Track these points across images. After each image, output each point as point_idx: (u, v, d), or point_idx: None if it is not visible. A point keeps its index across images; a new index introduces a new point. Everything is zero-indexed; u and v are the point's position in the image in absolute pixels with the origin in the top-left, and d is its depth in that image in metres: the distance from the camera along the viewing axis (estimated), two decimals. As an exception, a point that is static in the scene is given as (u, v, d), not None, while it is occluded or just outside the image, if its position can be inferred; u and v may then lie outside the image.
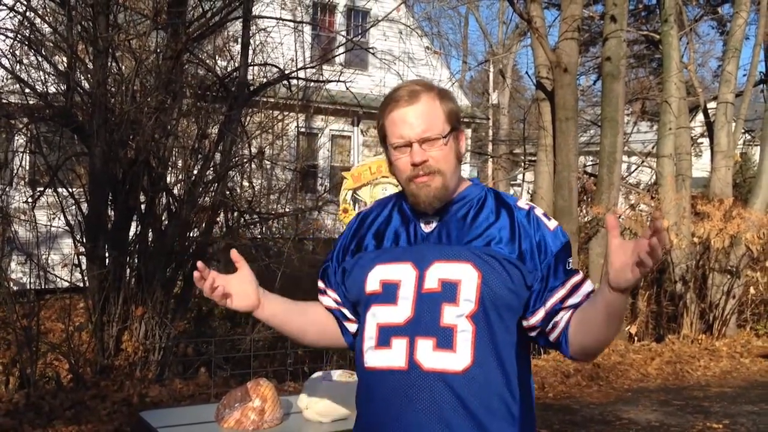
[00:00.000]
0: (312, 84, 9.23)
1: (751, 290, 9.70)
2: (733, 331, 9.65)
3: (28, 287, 6.36)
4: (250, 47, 7.20)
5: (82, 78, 6.13)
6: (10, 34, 6.00)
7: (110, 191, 6.17)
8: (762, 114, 10.90)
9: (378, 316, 1.69)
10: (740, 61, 10.65)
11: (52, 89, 6.18)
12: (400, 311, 1.66)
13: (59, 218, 6.42)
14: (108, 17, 6.14)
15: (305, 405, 2.64)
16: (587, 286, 1.67)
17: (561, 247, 1.69)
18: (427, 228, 1.72)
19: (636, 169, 15.33)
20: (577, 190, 9.27)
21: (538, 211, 1.75)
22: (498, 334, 1.64)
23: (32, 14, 6.13)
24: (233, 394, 2.60)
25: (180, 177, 6.68)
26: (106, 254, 6.13)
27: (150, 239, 6.38)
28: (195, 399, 5.48)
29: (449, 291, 1.63)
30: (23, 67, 6.08)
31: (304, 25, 10.84)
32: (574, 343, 1.64)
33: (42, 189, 6.47)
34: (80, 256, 6.27)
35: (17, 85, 6.05)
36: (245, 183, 8.12)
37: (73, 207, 6.32)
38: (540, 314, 1.66)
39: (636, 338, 9.00)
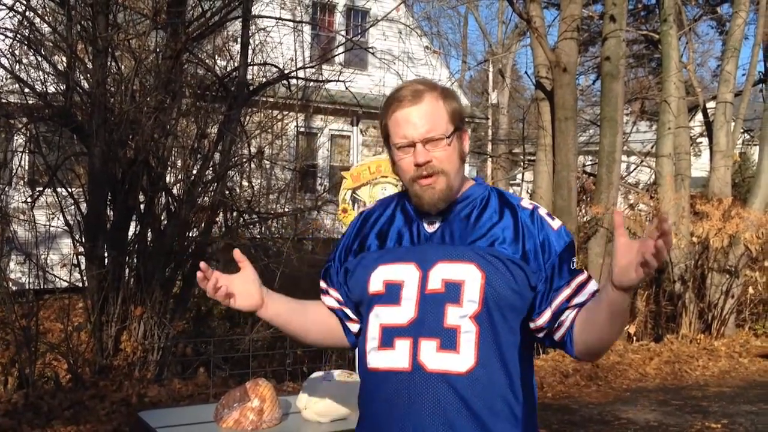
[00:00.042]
0: (311, 84, 9.23)
1: (750, 290, 9.71)
2: (732, 330, 9.66)
3: (27, 287, 6.36)
4: (249, 47, 7.20)
5: (82, 78, 6.13)
6: (10, 34, 6.00)
7: (109, 191, 6.17)
8: (761, 114, 10.91)
9: (381, 316, 1.68)
10: (739, 60, 10.66)
11: (51, 89, 6.18)
12: (404, 312, 1.65)
13: (58, 218, 6.42)
14: (107, 17, 6.14)
15: (304, 405, 2.64)
16: (592, 285, 1.67)
17: (565, 247, 1.68)
18: (430, 228, 1.71)
19: (635, 169, 15.33)
20: (576, 189, 9.27)
21: (542, 211, 1.74)
22: (502, 335, 1.64)
23: (32, 14, 6.13)
24: (232, 394, 2.60)
25: (179, 177, 6.68)
26: (105, 254, 6.13)
27: (149, 239, 6.38)
28: (194, 399, 5.48)
29: (453, 292, 1.63)
30: (22, 67, 6.08)
31: (303, 24, 10.84)
32: (578, 342, 1.64)
33: (41, 189, 6.47)
34: (79, 256, 6.27)
35: (16, 85, 6.05)
36: (244, 183, 8.12)
37: (72, 207, 6.32)
38: (547, 315, 1.66)
39: (635, 338, 9.00)
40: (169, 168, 6.69)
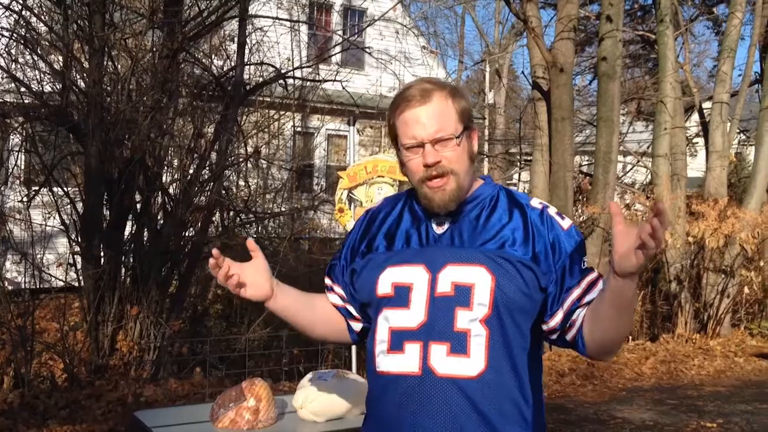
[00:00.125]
0: (308, 83, 9.23)
1: (746, 290, 9.73)
2: (728, 330, 9.68)
3: (22, 286, 6.35)
4: (246, 46, 7.19)
5: (78, 77, 6.12)
6: (6, 33, 5.99)
7: (106, 190, 6.16)
8: (757, 114, 10.93)
9: (390, 319, 1.67)
10: (735, 61, 10.67)
11: (47, 88, 6.16)
12: (413, 315, 1.64)
13: (54, 217, 6.41)
14: (104, 16, 6.14)
15: (300, 404, 2.64)
16: (602, 283, 1.64)
17: (575, 247, 1.67)
18: (439, 229, 1.69)
19: (631, 169, 15.36)
20: (573, 189, 9.28)
21: (552, 210, 1.72)
22: (512, 338, 1.63)
23: (28, 13, 6.12)
24: (228, 393, 2.60)
25: (176, 176, 6.67)
26: (102, 253, 6.13)
27: (145, 238, 6.38)
28: (190, 399, 5.48)
29: (463, 295, 1.61)
30: (19, 66, 6.07)
31: (300, 24, 10.84)
32: (589, 340, 1.62)
33: (37, 188, 6.46)
34: (75, 256, 6.26)
35: (13, 84, 6.04)
36: (241, 182, 8.12)
37: (69, 206, 6.31)
38: (559, 316, 1.65)
39: (630, 337, 9.02)
40: (166, 167, 6.69)
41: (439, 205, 1.65)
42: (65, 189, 6.40)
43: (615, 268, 1.47)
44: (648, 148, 12.53)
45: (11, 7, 5.99)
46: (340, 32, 12.77)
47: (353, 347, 5.31)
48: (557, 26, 8.90)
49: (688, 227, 9.28)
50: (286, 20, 9.33)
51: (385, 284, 1.68)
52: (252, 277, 1.73)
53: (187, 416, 2.69)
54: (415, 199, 1.74)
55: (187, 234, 6.73)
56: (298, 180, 10.71)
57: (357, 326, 1.85)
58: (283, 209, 9.09)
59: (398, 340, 1.64)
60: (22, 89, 6.00)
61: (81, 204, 6.25)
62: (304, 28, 12.05)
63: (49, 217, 6.59)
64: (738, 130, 12.72)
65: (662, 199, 9.23)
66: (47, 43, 6.24)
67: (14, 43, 6.05)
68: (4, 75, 5.97)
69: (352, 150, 6.10)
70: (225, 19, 7.18)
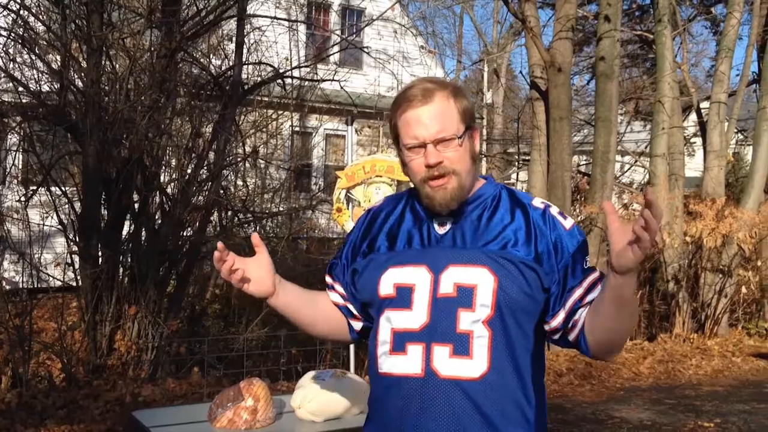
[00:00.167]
0: (306, 83, 9.23)
1: (743, 289, 9.75)
2: (725, 330, 9.69)
3: (20, 286, 6.34)
4: (244, 46, 7.19)
5: (76, 76, 6.11)
6: (4, 33, 5.98)
7: (103, 190, 6.15)
8: (754, 114, 10.94)
9: (393, 320, 1.66)
10: (733, 61, 10.68)
11: (45, 88, 6.16)
12: (416, 317, 1.63)
13: (52, 217, 6.40)
14: (102, 15, 6.13)
15: (298, 404, 2.64)
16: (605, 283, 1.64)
17: (578, 247, 1.66)
18: (441, 229, 1.69)
19: (629, 169, 15.38)
20: (571, 189, 9.29)
21: (554, 210, 1.71)
22: (514, 339, 1.62)
23: (26, 12, 6.11)
24: (226, 393, 2.60)
25: (174, 176, 6.67)
26: (99, 253, 6.12)
27: (143, 238, 6.37)
28: (188, 398, 5.47)
29: (465, 296, 1.61)
30: (16, 66, 6.06)
31: (298, 24, 10.84)
32: (591, 340, 1.62)
33: (35, 188, 6.45)
34: (73, 255, 6.26)
35: (10, 84, 6.03)
36: (239, 182, 8.12)
37: (66, 206, 6.30)
38: (560, 316, 1.64)
39: (628, 337, 9.03)
40: (164, 167, 6.68)
41: (440, 203, 1.64)
42: (63, 188, 6.39)
43: (613, 266, 1.46)
44: (646, 147, 12.54)
45: (9, 6, 5.98)
46: (338, 32, 12.78)
47: (351, 347, 5.31)
48: (555, 26, 8.91)
49: (686, 227, 9.29)
50: (285, 20, 9.33)
51: (387, 285, 1.68)
52: (255, 272, 1.73)
53: (185, 416, 2.69)
54: (416, 199, 1.73)
55: (185, 234, 6.72)
56: (296, 180, 10.72)
57: (357, 325, 1.85)
58: (281, 209, 9.09)
59: (401, 341, 1.64)
60: (20, 89, 5.99)
61: (79, 204, 6.25)
62: (302, 28, 12.05)
63: (46, 217, 6.59)
64: (736, 130, 12.71)
65: (660, 199, 9.25)
66: (45, 43, 6.24)
67: (12, 43, 6.04)
68: (2, 74, 5.96)
69: (350, 150, 6.10)
70: (223, 18, 7.18)
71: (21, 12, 6.04)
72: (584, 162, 15.66)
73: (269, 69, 7.76)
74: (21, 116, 6.18)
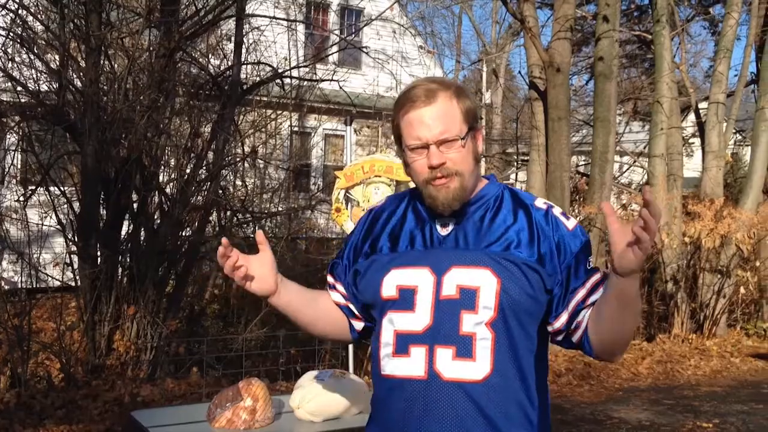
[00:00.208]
0: (305, 83, 9.22)
1: (742, 290, 9.76)
2: (724, 330, 9.70)
3: (19, 286, 6.33)
4: (243, 46, 7.19)
5: (75, 76, 6.10)
6: (2, 32, 5.97)
7: (102, 190, 6.15)
8: (753, 114, 10.95)
9: (396, 322, 1.66)
10: (731, 61, 10.70)
11: (44, 87, 6.15)
12: (419, 319, 1.63)
13: (51, 217, 6.40)
14: (100, 15, 6.12)
15: (297, 404, 2.64)
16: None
17: (581, 247, 1.66)
18: (443, 230, 1.68)
19: (628, 169, 15.40)
20: (570, 189, 9.30)
21: (557, 211, 1.71)
22: (517, 341, 1.62)
23: (24, 12, 6.11)
24: (225, 393, 2.60)
25: (172, 176, 6.66)
26: (98, 253, 6.11)
27: (142, 238, 6.37)
28: (186, 398, 5.47)
29: (468, 298, 1.60)
30: (15, 65, 6.05)
31: (297, 23, 10.83)
32: (594, 341, 1.61)
33: (34, 187, 6.45)
34: (72, 255, 6.25)
35: (9, 83, 6.03)
36: (238, 182, 8.11)
37: (65, 206, 6.30)
38: (564, 317, 1.64)
39: (632, 338, 9.03)
40: (163, 167, 6.68)
41: (443, 203, 1.63)
42: (62, 188, 6.39)
43: (615, 267, 1.46)
44: (644, 148, 12.55)
45: (7, 5, 5.98)
46: (337, 32, 12.77)
47: (350, 347, 5.31)
48: (554, 26, 8.91)
49: (684, 227, 9.30)
50: (283, 20, 9.32)
51: (389, 287, 1.67)
52: (258, 270, 1.72)
53: (184, 416, 2.69)
54: (418, 199, 1.72)
55: (184, 234, 6.72)
56: (295, 180, 10.71)
57: (359, 325, 1.84)
58: (280, 209, 9.08)
59: (404, 343, 1.64)
60: (19, 88, 5.98)
61: (78, 203, 6.24)
62: (301, 28, 12.04)
63: (45, 217, 6.58)
64: (734, 131, 12.74)
65: (658, 199, 9.25)
66: (44, 42, 6.23)
67: (11, 42, 6.03)
68: (1, 74, 5.95)
69: (349, 149, 6.09)
70: (222, 18, 7.17)
71: (19, 11, 6.04)
72: (583, 162, 15.66)
73: (268, 69, 7.75)
74: (19, 116, 6.17)
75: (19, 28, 6.05)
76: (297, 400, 2.64)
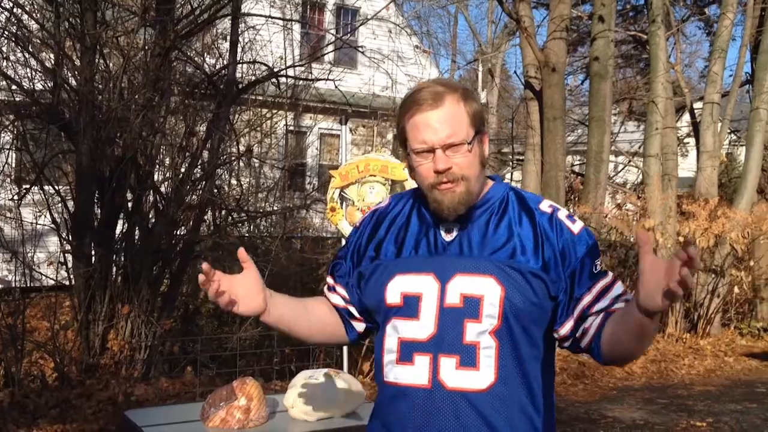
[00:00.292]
0: (301, 82, 9.20)
1: (736, 289, 9.78)
2: (718, 330, 9.73)
3: (13, 285, 6.31)
4: (238, 45, 7.17)
5: (70, 75, 6.09)
6: (-3, 31, 5.96)
7: (97, 189, 6.14)
8: (747, 114, 10.99)
9: (400, 330, 1.64)
10: (726, 61, 10.73)
11: (38, 86, 6.13)
12: (423, 327, 1.61)
13: (45, 216, 6.37)
14: (96, 14, 6.11)
15: (291, 404, 2.65)
16: (617, 289, 1.62)
17: (586, 252, 1.63)
18: (447, 236, 1.66)
19: (623, 169, 15.44)
20: (565, 189, 9.32)
21: (561, 214, 1.68)
22: (522, 349, 1.61)
23: (19, 10, 6.09)
24: (219, 392, 2.60)
25: (167, 175, 6.65)
26: (93, 252, 6.10)
27: (137, 237, 6.36)
28: (181, 398, 5.47)
29: (472, 307, 1.59)
30: (10, 64, 6.03)
31: (293, 23, 10.81)
32: (606, 353, 1.60)
33: (28, 186, 6.43)
34: (66, 254, 6.24)
35: (3, 82, 6.01)
36: (233, 181, 8.09)
37: (60, 204, 6.28)
38: (569, 324, 1.63)
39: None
40: (157, 166, 6.66)
41: (448, 207, 1.61)
42: (56, 187, 6.37)
43: (639, 303, 1.43)
44: (639, 148, 12.58)
45: (3, 4, 5.96)
46: (332, 31, 12.76)
47: (344, 346, 5.31)
48: (550, 26, 8.94)
49: (679, 227, 9.33)
50: (279, 19, 9.31)
51: (394, 293, 1.66)
52: (244, 290, 1.66)
53: (178, 415, 2.69)
54: (422, 202, 1.70)
55: (178, 233, 6.71)
56: (290, 179, 10.69)
57: (360, 326, 1.83)
58: (275, 208, 9.06)
59: (408, 351, 1.62)
60: (13, 87, 5.96)
61: (72, 202, 6.23)
62: (296, 27, 12.02)
63: (39, 216, 6.56)
64: (729, 131, 12.78)
65: (653, 199, 9.27)
66: (38, 41, 6.21)
67: (5, 41, 6.01)
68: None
69: (345, 149, 6.09)
70: (217, 17, 7.16)
71: (14, 10, 6.02)
72: (578, 162, 15.70)
73: (264, 68, 7.74)
74: (14, 114, 6.16)
75: (14, 27, 6.04)
76: (291, 399, 2.64)
